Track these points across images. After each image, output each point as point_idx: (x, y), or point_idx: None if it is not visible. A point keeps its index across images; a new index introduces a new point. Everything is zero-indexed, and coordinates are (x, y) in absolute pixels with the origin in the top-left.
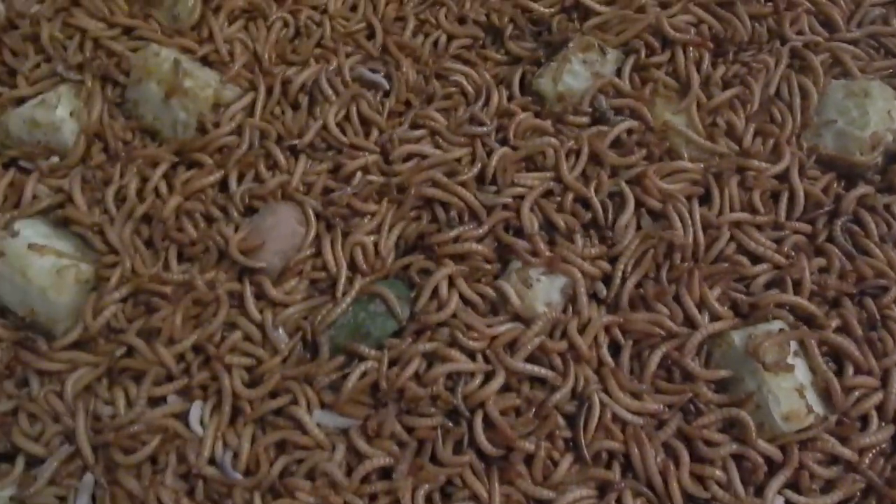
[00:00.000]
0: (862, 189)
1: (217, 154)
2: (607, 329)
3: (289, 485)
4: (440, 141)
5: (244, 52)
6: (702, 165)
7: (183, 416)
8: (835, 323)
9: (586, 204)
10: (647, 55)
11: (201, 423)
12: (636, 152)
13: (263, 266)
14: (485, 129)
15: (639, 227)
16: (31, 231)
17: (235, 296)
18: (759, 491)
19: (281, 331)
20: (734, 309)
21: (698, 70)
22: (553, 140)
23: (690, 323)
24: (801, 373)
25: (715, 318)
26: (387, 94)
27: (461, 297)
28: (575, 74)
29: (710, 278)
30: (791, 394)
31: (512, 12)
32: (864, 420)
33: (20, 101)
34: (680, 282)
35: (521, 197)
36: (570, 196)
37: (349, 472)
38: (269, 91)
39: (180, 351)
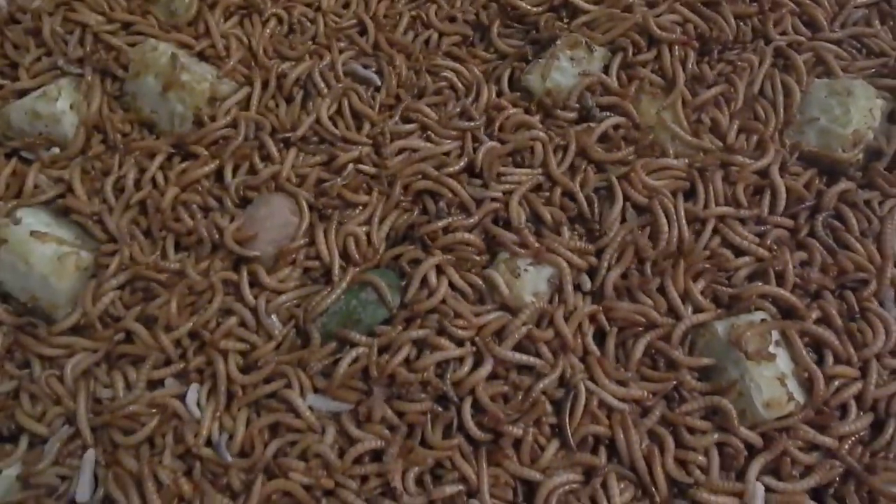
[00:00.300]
0: (843, 185)
1: (212, 146)
2: (592, 317)
3: (283, 465)
4: (431, 135)
5: (240, 48)
6: (686, 161)
7: (180, 399)
8: (815, 314)
9: (574, 198)
10: (634, 53)
11: (198, 405)
12: (623, 148)
13: (258, 255)
14: (474, 123)
15: (623, 221)
16: (33, 219)
17: (231, 283)
18: (740, 476)
19: (274, 318)
20: (716, 302)
21: (684, 68)
22: (541, 134)
23: (674, 314)
24: (783, 362)
25: (698, 310)
26: (377, 90)
27: (451, 285)
28: (563, 71)
29: (693, 269)
30: (772, 382)
31: (500, 10)
32: (843, 409)
33: (22, 93)
34: (665, 274)
35: (510, 191)
36: (559, 190)
37: (341, 455)
38: (265, 85)
39: (177, 337)
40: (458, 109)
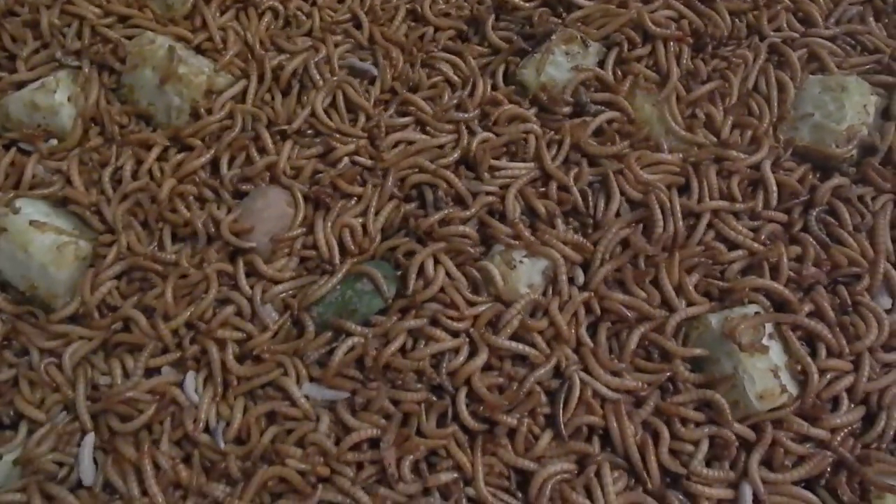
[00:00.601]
0: (836, 180)
1: (208, 138)
2: (586, 305)
3: (280, 451)
4: (428, 128)
5: (237, 41)
6: (680, 156)
7: (178, 386)
8: (808, 308)
9: (569, 191)
10: (629, 49)
11: (196, 392)
12: (617, 142)
13: (253, 246)
14: (469, 115)
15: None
16: (32, 209)
17: (228, 274)
18: (733, 466)
19: (269, 307)
20: (708, 296)
21: (678, 64)
22: (535, 127)
23: (668, 306)
24: (776, 354)
25: (690, 304)
26: (372, 83)
27: (447, 274)
28: (557, 66)
29: (687, 262)
30: (765, 374)
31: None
32: (835, 401)
33: (20, 85)
34: (659, 266)
35: (507, 185)
36: (554, 184)
37: (337, 444)
38: (261, 78)
39: (174, 327)
40: (454, 101)
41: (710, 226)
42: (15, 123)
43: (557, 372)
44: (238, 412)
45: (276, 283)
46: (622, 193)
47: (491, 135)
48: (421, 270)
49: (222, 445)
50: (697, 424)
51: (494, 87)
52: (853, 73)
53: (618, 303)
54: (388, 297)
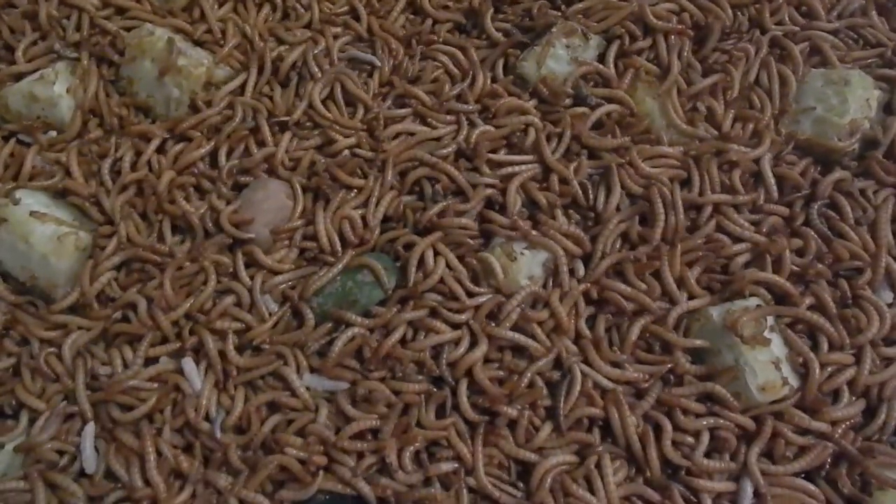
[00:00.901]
0: (838, 174)
1: (207, 130)
2: (586, 295)
3: (280, 440)
4: (429, 120)
5: (236, 33)
6: (681, 149)
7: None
8: (808, 301)
9: (568, 184)
10: (630, 42)
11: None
12: (618, 135)
13: (252, 237)
14: (469, 106)
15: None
16: (32, 200)
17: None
18: (734, 458)
19: (268, 298)
20: (709, 290)
21: (679, 57)
22: (535, 119)
23: (669, 298)
24: (777, 346)
25: (692, 297)
26: (370, 75)
27: (448, 265)
28: (558, 59)
29: (689, 253)
30: (767, 366)
31: None
32: (835, 394)
33: (18, 76)
34: (661, 259)
35: (509, 177)
36: (555, 177)
37: (336, 434)
38: (261, 69)
39: (174, 318)
40: (454, 92)
41: (711, 218)
42: (14, 115)
43: (558, 363)
44: (239, 402)
45: (276, 273)
46: (623, 187)
47: (490, 127)
48: (421, 262)
49: (219, 435)
50: (698, 416)
51: (494, 80)
52: (856, 67)
53: (618, 294)
54: (388, 288)
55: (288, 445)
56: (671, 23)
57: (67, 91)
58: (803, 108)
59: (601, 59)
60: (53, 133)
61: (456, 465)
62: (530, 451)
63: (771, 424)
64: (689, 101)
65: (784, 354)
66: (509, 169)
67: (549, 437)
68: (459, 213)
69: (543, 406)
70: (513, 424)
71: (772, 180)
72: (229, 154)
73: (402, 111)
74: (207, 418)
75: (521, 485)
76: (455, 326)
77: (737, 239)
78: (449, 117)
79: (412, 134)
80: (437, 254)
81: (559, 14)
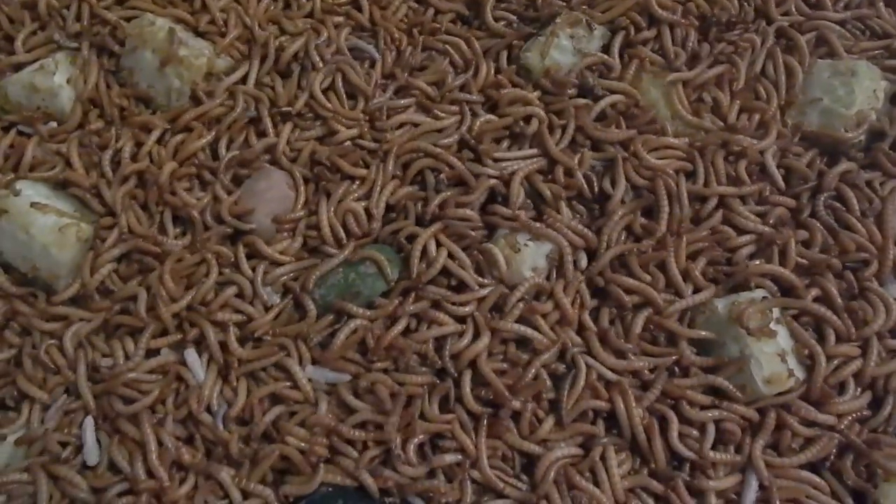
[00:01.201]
0: (844, 165)
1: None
2: (591, 284)
3: (283, 429)
4: (434, 110)
5: (238, 24)
6: (687, 140)
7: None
8: (814, 292)
9: (573, 176)
10: (635, 32)
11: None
12: (622, 126)
13: (253, 227)
14: (473, 97)
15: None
16: (33, 191)
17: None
18: (738, 450)
19: (270, 289)
20: (714, 282)
21: (684, 48)
22: (539, 111)
23: (675, 291)
24: (783, 338)
25: (697, 289)
26: (372, 65)
27: (450, 255)
28: (562, 49)
29: (693, 246)
30: (773, 358)
31: None
32: (841, 386)
33: (18, 67)
34: (667, 250)
35: (514, 170)
36: (560, 168)
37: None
38: (263, 59)
39: (175, 311)
40: (458, 83)
41: (716, 209)
42: (14, 106)
43: (562, 355)
44: (241, 394)
45: (278, 265)
46: (627, 179)
47: (492, 116)
48: (424, 253)
49: (221, 427)
50: (704, 408)
51: (498, 71)
52: (863, 58)
53: (621, 286)
54: (391, 279)
55: (289, 435)
56: (676, 13)
57: (68, 81)
58: (810, 99)
59: (606, 49)
60: (54, 124)
61: (459, 457)
62: (534, 443)
63: (774, 416)
64: (695, 91)
65: (790, 346)
66: (513, 164)
67: (554, 430)
68: (462, 205)
69: (547, 399)
70: (516, 416)
71: (776, 173)
72: (229, 145)
73: (405, 101)
74: (209, 410)
75: (525, 477)
76: (459, 319)
77: (742, 231)
78: (452, 107)
79: (416, 125)
80: (439, 245)
81: (563, 4)
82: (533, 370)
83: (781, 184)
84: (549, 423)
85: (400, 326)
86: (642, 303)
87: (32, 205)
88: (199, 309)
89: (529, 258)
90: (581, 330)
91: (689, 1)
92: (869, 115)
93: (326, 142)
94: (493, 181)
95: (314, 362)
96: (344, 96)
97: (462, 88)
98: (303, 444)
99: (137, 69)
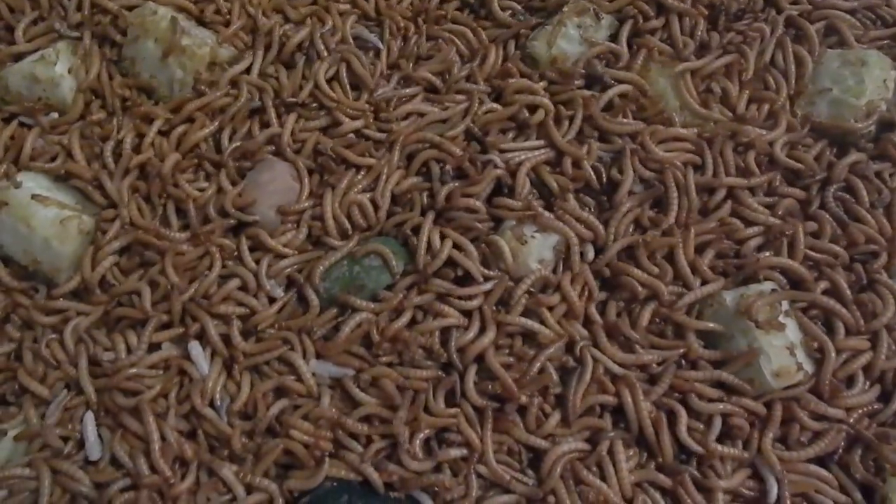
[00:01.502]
0: (853, 156)
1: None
2: (598, 275)
3: (287, 423)
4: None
5: (242, 13)
6: (695, 130)
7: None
8: (823, 285)
9: (580, 167)
10: (643, 21)
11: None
12: (629, 116)
13: (256, 219)
14: (479, 86)
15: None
16: (33, 183)
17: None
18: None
19: (273, 282)
20: (724, 274)
21: (693, 37)
22: (545, 101)
23: (682, 283)
24: (791, 331)
25: (704, 283)
26: (377, 55)
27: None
28: (569, 39)
29: (702, 236)
30: (782, 351)
31: None
32: (850, 380)
33: (18, 56)
34: (675, 241)
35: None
36: (568, 160)
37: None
38: (268, 47)
39: (178, 304)
40: (463, 73)
41: (725, 200)
42: (15, 96)
43: (569, 348)
44: (245, 388)
45: (282, 257)
46: (635, 171)
47: (497, 105)
48: (429, 244)
49: (224, 420)
50: (711, 401)
51: (505, 60)
52: (873, 47)
53: (630, 277)
54: (396, 272)
55: (294, 429)
56: (685, 2)
57: (69, 71)
58: (819, 89)
59: (613, 39)
60: (55, 115)
61: (465, 451)
62: (541, 437)
63: (780, 409)
64: (703, 82)
65: (799, 339)
66: (520, 155)
67: (560, 424)
68: (468, 196)
69: (554, 394)
70: (523, 411)
71: (788, 161)
72: (232, 136)
73: (410, 90)
74: (213, 405)
75: (531, 472)
76: (466, 314)
77: (750, 222)
78: (459, 97)
79: (422, 115)
80: (443, 236)
81: None
82: (538, 364)
83: (797, 166)
84: (556, 417)
85: (405, 319)
86: (649, 296)
87: (33, 197)
88: (201, 302)
89: (536, 250)
90: (587, 323)
91: None
92: (879, 106)
93: (330, 133)
94: (499, 171)
95: (318, 356)
96: (348, 86)
97: (468, 79)
98: (307, 438)
99: (139, 59)
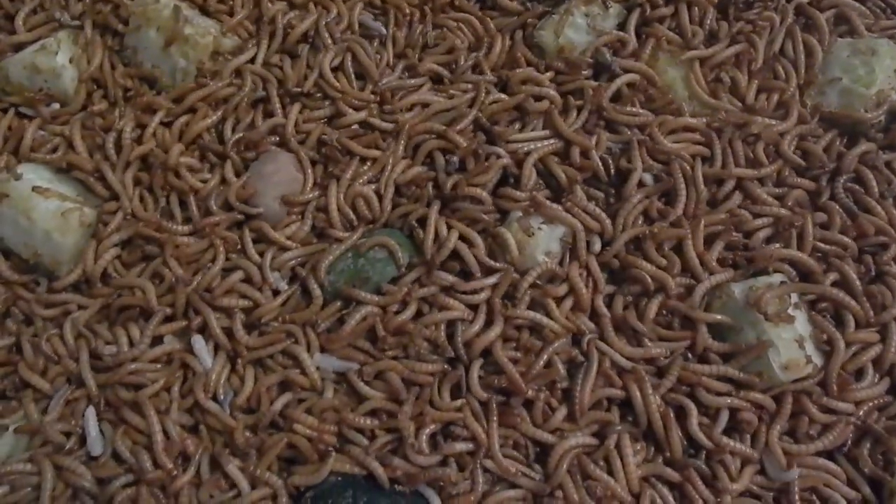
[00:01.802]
0: (863, 146)
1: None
2: (606, 267)
3: (290, 416)
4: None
5: (246, 2)
6: (705, 120)
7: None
8: (833, 277)
9: (588, 157)
10: (651, 10)
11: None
12: (637, 106)
13: (260, 211)
14: (486, 76)
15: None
16: (34, 175)
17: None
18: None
19: (277, 275)
20: (735, 266)
21: (702, 26)
22: (552, 92)
23: (691, 274)
24: (801, 324)
25: (712, 274)
26: (383, 43)
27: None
28: (576, 28)
29: (711, 227)
30: (791, 344)
31: None
32: (859, 373)
33: (18, 46)
34: (684, 232)
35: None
36: (577, 150)
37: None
38: (272, 35)
39: (181, 298)
40: (469, 63)
41: (733, 192)
42: (15, 87)
43: (577, 342)
44: (248, 382)
45: (286, 250)
46: (644, 163)
47: (502, 95)
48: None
49: (228, 412)
50: (720, 394)
51: (511, 49)
52: (884, 37)
53: (638, 264)
54: (402, 264)
55: (298, 422)
56: None
57: (70, 61)
58: (829, 78)
59: (622, 27)
60: (56, 105)
61: (471, 445)
62: (548, 431)
63: (790, 402)
64: (712, 71)
65: (808, 332)
66: (528, 145)
67: (567, 418)
68: (474, 186)
69: (561, 388)
70: (529, 405)
71: (794, 157)
72: (236, 126)
73: (415, 80)
74: (216, 398)
75: (538, 467)
76: (472, 307)
77: (759, 214)
78: (465, 86)
79: (427, 105)
80: (450, 228)
81: None
82: (544, 358)
83: (801, 163)
84: (563, 411)
85: (410, 311)
86: (657, 288)
87: (34, 189)
88: (203, 295)
89: (543, 242)
90: (594, 316)
91: None
92: (889, 95)
93: (335, 123)
94: (505, 161)
95: (322, 350)
96: (353, 76)
97: (475, 69)
98: (311, 433)
99: (141, 48)
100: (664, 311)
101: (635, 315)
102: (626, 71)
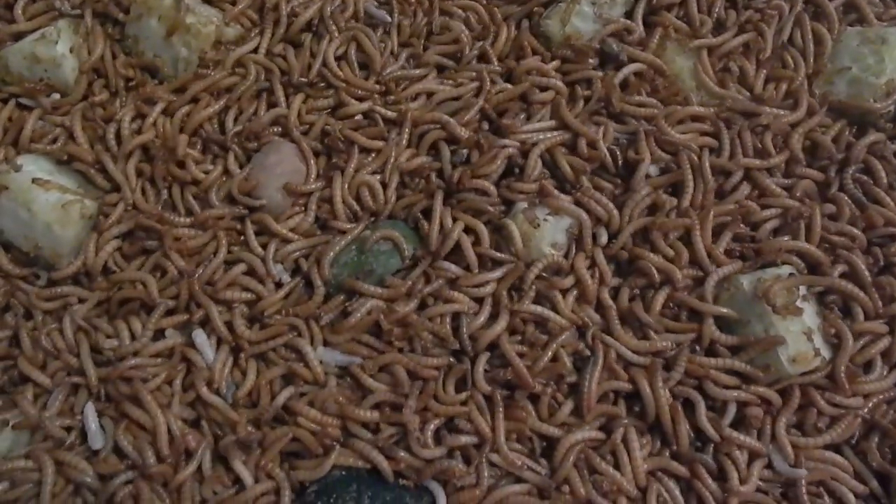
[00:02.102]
0: (872, 136)
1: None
2: (613, 259)
3: (294, 409)
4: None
5: None
6: (713, 109)
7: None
8: (840, 268)
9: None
10: None
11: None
12: (643, 96)
13: (263, 203)
14: (492, 66)
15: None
16: (34, 167)
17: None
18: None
19: (280, 267)
20: (743, 258)
21: (710, 14)
22: (558, 83)
23: (699, 266)
24: (809, 316)
25: (719, 266)
26: (387, 32)
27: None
28: (583, 16)
29: (719, 218)
30: (799, 337)
31: None
32: (867, 366)
33: (18, 36)
34: (692, 224)
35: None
36: (584, 141)
37: None
38: (276, 23)
39: (184, 292)
40: (475, 52)
41: (741, 182)
42: (15, 77)
43: (582, 335)
44: (251, 375)
45: (289, 242)
46: (651, 154)
47: (507, 85)
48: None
49: (230, 401)
50: (728, 387)
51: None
52: (893, 25)
53: (646, 257)
54: (407, 256)
55: (301, 416)
56: None
57: (71, 51)
58: (838, 68)
59: (629, 16)
60: (57, 96)
61: (475, 438)
62: (554, 425)
63: (798, 395)
64: (720, 61)
65: (816, 325)
66: (534, 136)
67: (573, 413)
68: (478, 178)
69: (567, 383)
70: (534, 399)
71: (799, 153)
72: (238, 117)
73: (419, 71)
74: (218, 392)
75: (544, 461)
76: (478, 301)
77: (766, 205)
78: (470, 74)
79: (431, 94)
80: (454, 219)
81: None
82: (550, 352)
83: (802, 159)
84: (569, 406)
85: (413, 304)
86: (663, 280)
87: (34, 181)
88: (206, 288)
89: (549, 234)
90: (600, 308)
91: None
92: None
93: (337, 114)
94: (511, 151)
95: (325, 344)
96: (356, 66)
97: (480, 58)
98: (314, 426)
99: (143, 37)
100: (671, 304)
101: (642, 307)
102: (634, 60)
